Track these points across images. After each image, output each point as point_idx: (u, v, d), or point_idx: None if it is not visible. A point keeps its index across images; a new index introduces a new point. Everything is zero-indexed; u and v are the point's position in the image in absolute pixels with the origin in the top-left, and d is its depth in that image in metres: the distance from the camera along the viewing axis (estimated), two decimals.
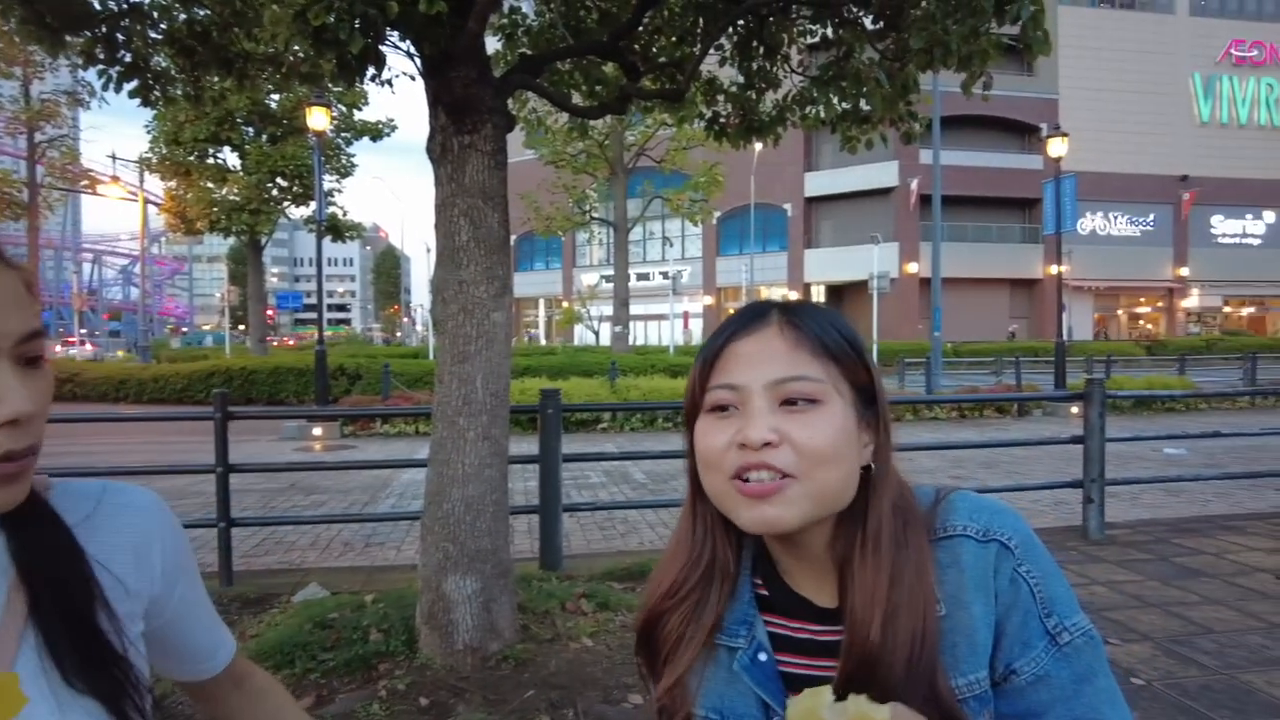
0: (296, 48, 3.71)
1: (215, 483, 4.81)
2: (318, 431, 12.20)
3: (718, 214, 38.44)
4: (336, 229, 22.68)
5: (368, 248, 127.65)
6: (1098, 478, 5.43)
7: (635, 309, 38.70)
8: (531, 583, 4.01)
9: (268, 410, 12.17)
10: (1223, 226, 41.79)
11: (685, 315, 41.95)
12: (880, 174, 37.44)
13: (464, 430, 3.23)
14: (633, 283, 39.25)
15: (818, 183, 39.29)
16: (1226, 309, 43.79)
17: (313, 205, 15.06)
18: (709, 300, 42.98)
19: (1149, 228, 40.63)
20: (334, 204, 22.94)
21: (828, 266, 39.46)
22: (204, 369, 18.77)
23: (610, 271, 20.72)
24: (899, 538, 0.76)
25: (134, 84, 4.35)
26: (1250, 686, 3.27)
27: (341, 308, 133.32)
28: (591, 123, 19.90)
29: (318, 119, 12.79)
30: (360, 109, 22.63)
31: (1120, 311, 43.60)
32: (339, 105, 21.74)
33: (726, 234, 42.12)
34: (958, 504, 0.80)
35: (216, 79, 4.63)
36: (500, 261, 3.31)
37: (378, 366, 16.74)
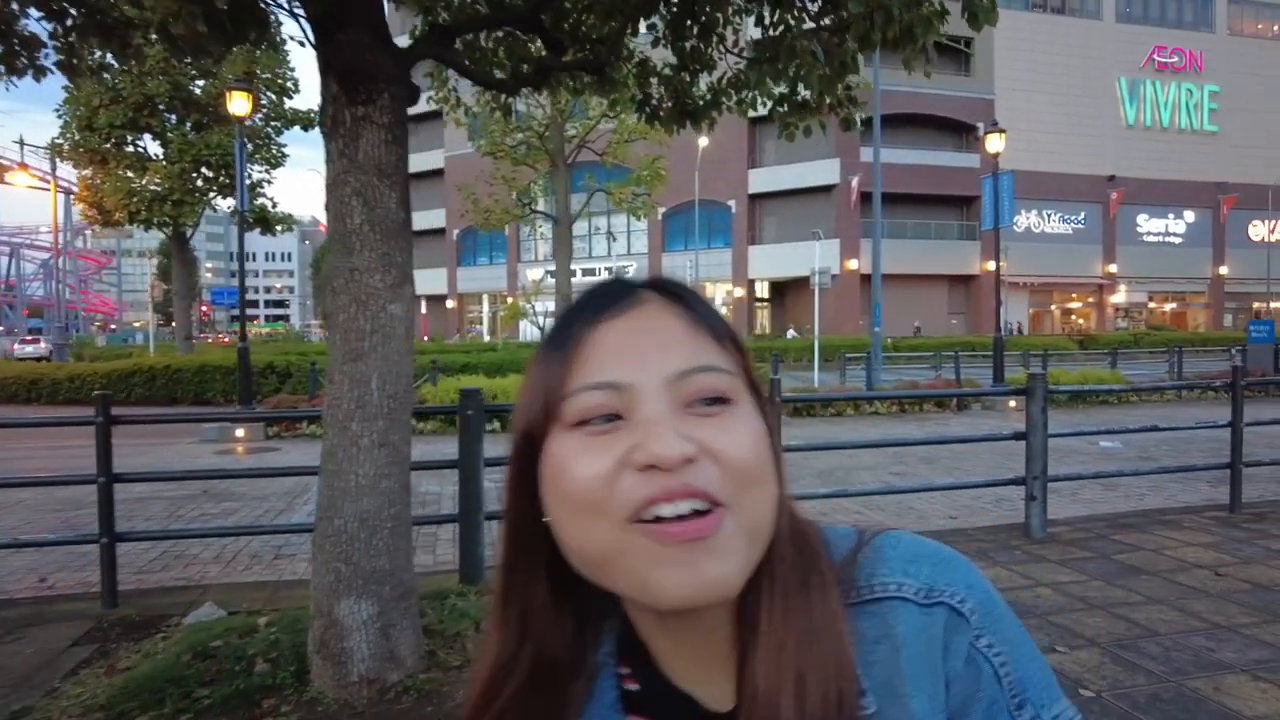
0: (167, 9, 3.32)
1: (97, 494, 4.35)
2: (240, 433, 11.59)
3: (662, 210, 38.31)
4: (266, 221, 21.82)
5: (306, 242, 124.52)
6: (1040, 474, 5.31)
7: None
8: (445, 601, 3.67)
9: (155, 413, 11.48)
10: (1147, 225, 43.26)
11: None
12: (822, 171, 37.74)
13: (357, 437, 2.89)
14: (578, 278, 38.93)
15: (761, 179, 39.45)
16: (1151, 304, 45.36)
17: None
18: None
19: (1080, 226, 41.82)
20: (263, 195, 22.07)
21: (771, 263, 39.64)
22: (125, 368, 17.81)
23: (556, 266, 20.32)
24: (803, 587, 0.55)
25: None
26: (1199, 694, 3.13)
27: (279, 303, 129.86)
28: (531, 114, 19.51)
29: (238, 104, 12.13)
30: (291, 97, 21.80)
31: (1054, 307, 44.78)
32: (267, 92, 20.90)
33: (672, 230, 42.04)
34: (887, 551, 0.59)
35: (95, 49, 4.18)
36: (399, 248, 2.97)
37: (308, 364, 16.09)
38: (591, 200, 21.52)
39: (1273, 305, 43.72)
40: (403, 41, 3.42)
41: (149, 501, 7.28)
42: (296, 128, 22.11)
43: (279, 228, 22.31)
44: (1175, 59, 43.10)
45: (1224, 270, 44.10)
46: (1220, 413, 6.57)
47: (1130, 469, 6.68)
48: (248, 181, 20.61)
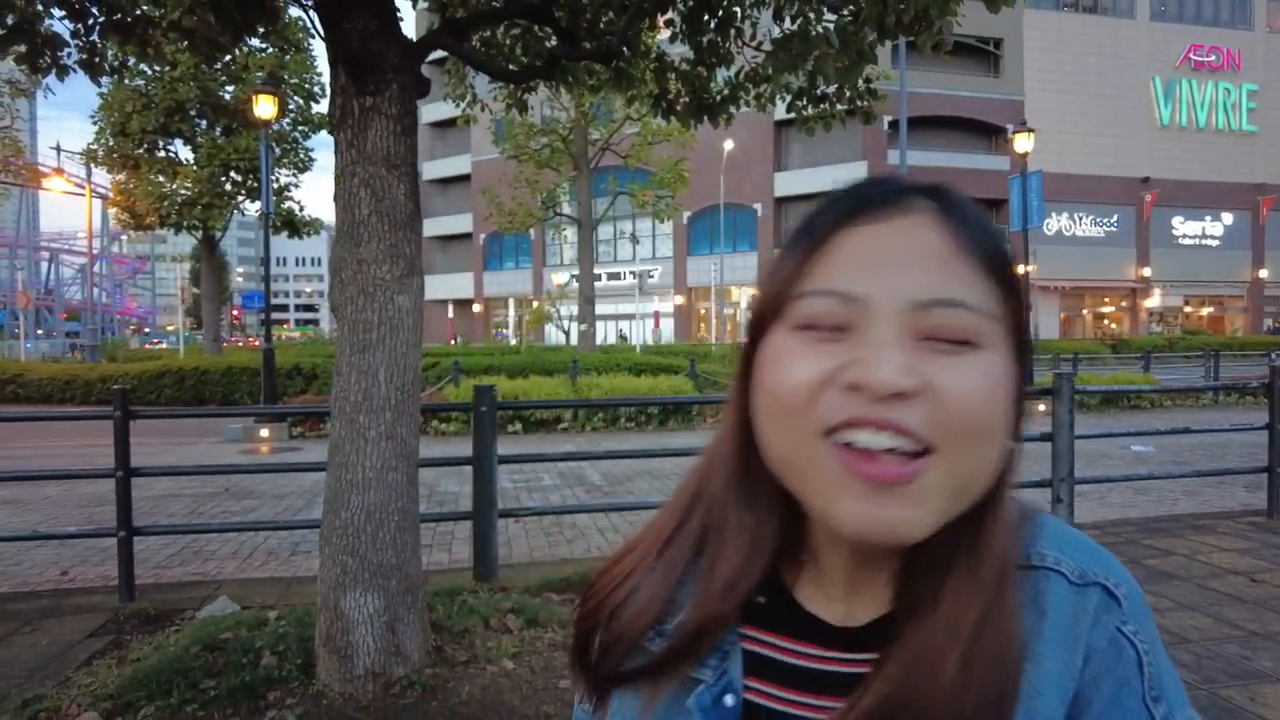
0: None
1: (115, 488, 4.37)
2: (264, 433, 11.70)
3: (688, 214, 38.26)
4: (293, 225, 22.06)
5: None
6: (1067, 476, 5.17)
7: (606, 308, 38.39)
8: (455, 597, 3.64)
9: (173, 410, 11.64)
10: (1183, 228, 42.38)
11: (656, 315, 41.67)
12: (849, 175, 37.34)
13: (364, 429, 2.87)
14: (604, 282, 39.00)
15: (787, 183, 39.21)
16: (1187, 308, 44.42)
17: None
18: (680, 300, 42.74)
19: (1113, 228, 41.08)
20: (291, 199, 22.33)
21: None
22: (154, 369, 18.11)
23: (579, 269, 20.35)
24: (992, 565, 0.52)
25: (21, 49, 3.95)
26: (1233, 704, 3.01)
27: (309, 308, 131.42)
28: (555, 117, 19.57)
29: (264, 108, 12.26)
30: (319, 101, 22.05)
31: (1085, 311, 44.03)
32: (295, 97, 21.16)
33: (697, 234, 41.94)
34: (1048, 530, 0.58)
35: (115, 47, 4.22)
36: (407, 239, 2.94)
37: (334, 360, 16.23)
38: (615, 203, 21.54)
39: None
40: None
41: (171, 499, 7.35)
42: (324, 132, 22.35)
43: (306, 231, 22.54)
44: (1213, 58, 42.23)
45: (1264, 273, 43.06)
46: (1257, 417, 6.37)
47: (1161, 472, 6.50)
48: (275, 185, 20.92)
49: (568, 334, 24.05)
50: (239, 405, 16.96)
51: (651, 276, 41.24)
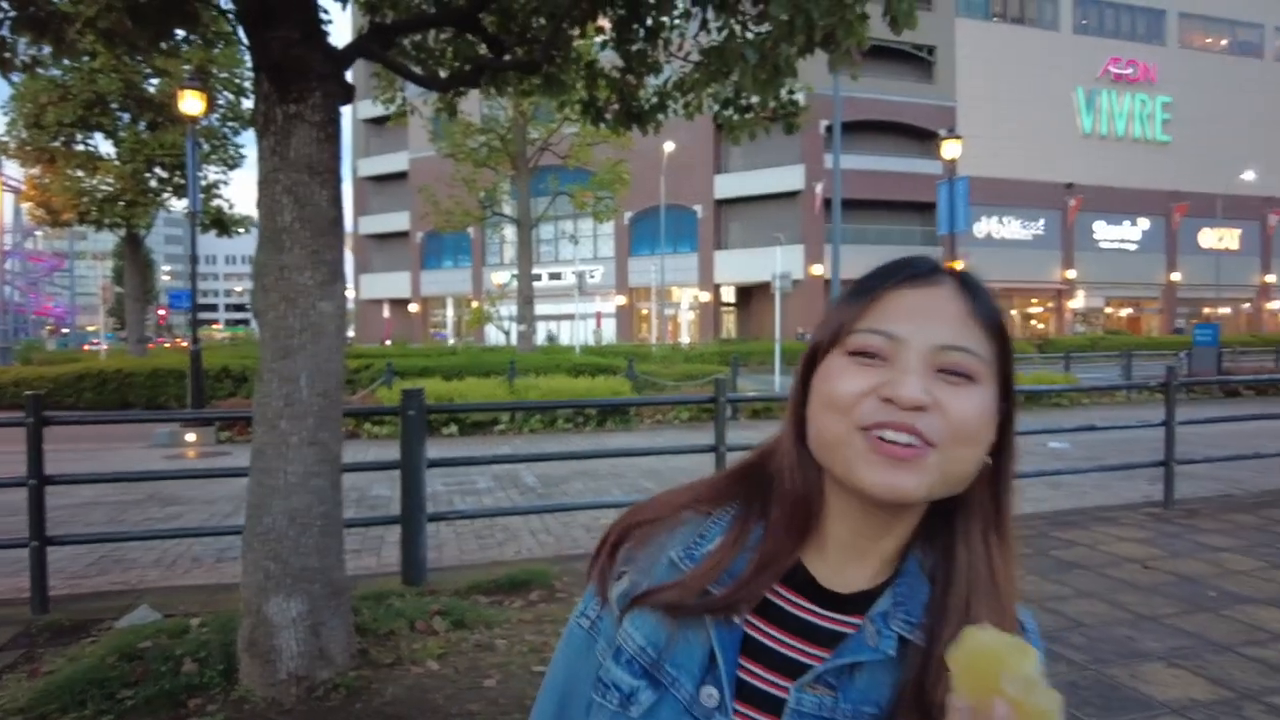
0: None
1: (27, 497, 4.26)
2: (191, 437, 11.40)
3: (629, 214, 38.38)
4: (222, 223, 21.46)
5: None
6: None
7: (548, 309, 38.24)
8: (381, 600, 3.66)
9: (92, 415, 11.27)
10: (1104, 232, 44.19)
11: (598, 315, 41.67)
12: (787, 177, 38.07)
13: (286, 435, 2.88)
14: (545, 282, 38.83)
15: (727, 185, 39.66)
16: (1108, 309, 46.35)
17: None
18: (621, 300, 42.84)
19: (1039, 232, 42.60)
20: (220, 197, 21.72)
21: (737, 268, 39.86)
22: (73, 372, 17.38)
23: (518, 269, 20.26)
24: (994, 541, 0.71)
25: None
26: (1115, 681, 3.23)
27: (239, 307, 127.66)
28: (493, 116, 19.45)
29: (191, 104, 11.93)
30: (249, 96, 21.47)
31: (1014, 311, 45.56)
32: (224, 92, 20.59)
33: (638, 234, 42.09)
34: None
35: (27, 42, 4.11)
36: (330, 245, 2.96)
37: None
38: (556, 203, 21.51)
39: (1221, 310, 44.94)
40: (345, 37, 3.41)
41: (93, 507, 7.13)
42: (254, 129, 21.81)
43: (237, 230, 21.95)
44: (1130, 70, 44.13)
45: (1176, 277, 45.19)
46: (1183, 413, 6.75)
47: (1070, 468, 6.84)
48: (203, 182, 20.33)
49: (508, 334, 23.94)
50: (165, 409, 16.43)
51: (593, 277, 41.24)
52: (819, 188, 36.38)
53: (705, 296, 40.98)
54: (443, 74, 4.49)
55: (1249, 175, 43.08)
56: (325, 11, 3.27)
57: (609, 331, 42.11)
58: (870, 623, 0.68)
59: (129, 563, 5.42)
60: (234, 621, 3.27)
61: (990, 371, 0.68)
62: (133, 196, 19.85)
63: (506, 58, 3.99)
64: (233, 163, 22.02)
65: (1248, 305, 48.00)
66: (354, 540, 5.39)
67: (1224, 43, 46.48)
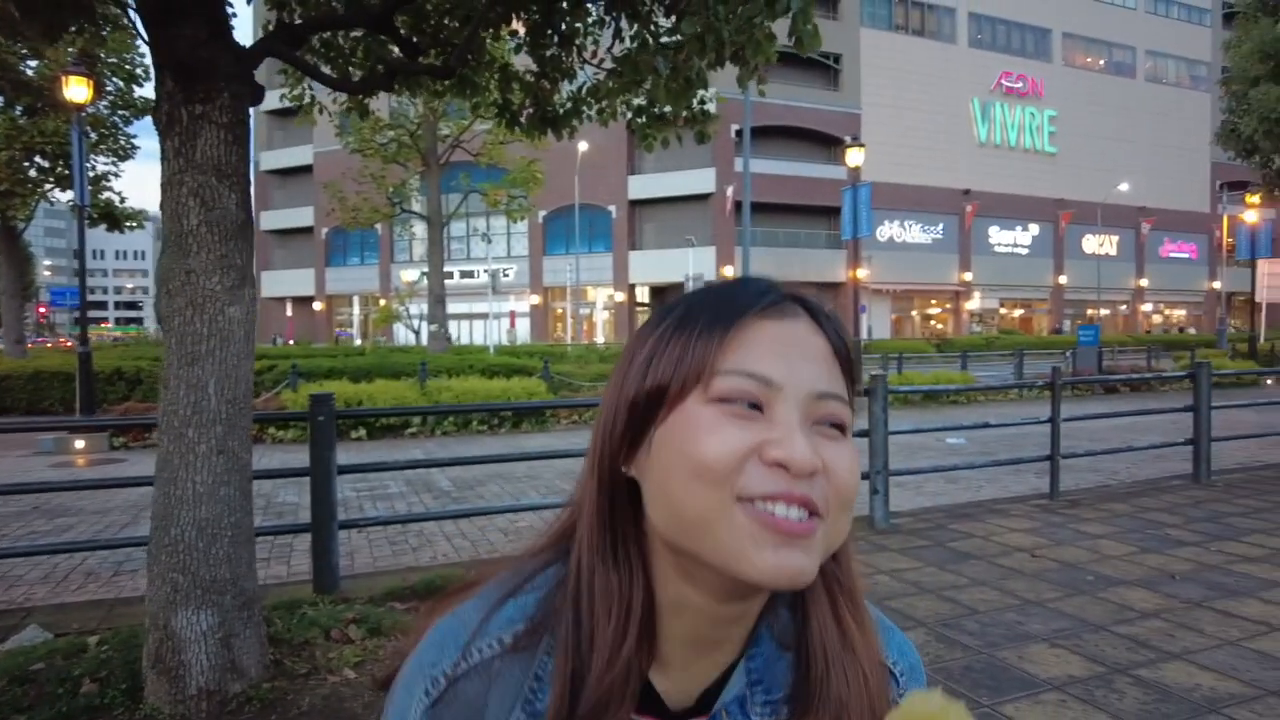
0: None
1: None
2: (80, 444, 10.78)
3: (543, 213, 38.15)
4: (113, 217, 20.34)
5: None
6: (882, 469, 5.68)
7: (459, 307, 37.65)
8: (294, 610, 3.59)
9: None
10: (998, 237, 46.54)
11: (512, 315, 41.31)
12: (699, 180, 38.62)
13: (194, 443, 2.81)
14: (457, 280, 38.21)
15: (641, 186, 39.97)
16: (1002, 310, 48.81)
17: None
18: (536, 300, 42.60)
19: (939, 236, 44.52)
20: (109, 189, 20.57)
21: (652, 268, 40.21)
22: None
23: (429, 268, 19.90)
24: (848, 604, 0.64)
25: None
26: (1005, 663, 3.46)
27: (132, 305, 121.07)
28: (403, 112, 19.07)
29: (76, 91, 11.28)
30: (141, 84, 20.43)
31: (914, 312, 47.46)
32: (113, 78, 19.51)
33: (553, 233, 41.96)
34: (882, 632, 0.68)
35: None
36: (238, 249, 2.90)
37: (161, 369, 15.11)
38: (468, 201, 21.24)
39: (1102, 312, 47.94)
40: (249, 34, 3.33)
41: None
42: (149, 118, 20.71)
43: (129, 224, 20.84)
44: (1020, 84, 46.60)
45: (1063, 279, 47.96)
46: (1067, 409, 7.21)
47: (966, 463, 7.22)
48: (91, 174, 19.20)
49: (417, 334, 23.47)
50: (50, 415, 15.45)
51: (506, 275, 40.86)
52: (730, 190, 37.05)
53: (620, 296, 41.17)
54: (354, 74, 4.43)
55: (1124, 187, 46.10)
56: (231, 6, 3.19)
57: (523, 331, 41.81)
58: (727, 717, 0.60)
59: (12, 580, 5.12)
60: (137, 637, 3.16)
61: (852, 417, 0.59)
62: (9, 186, 18.57)
63: (421, 60, 3.96)
64: (124, 154, 20.89)
65: (1125, 307, 51.41)
66: (262, 548, 5.24)
67: (1101, 62, 49.62)
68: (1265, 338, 25.74)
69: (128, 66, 19.88)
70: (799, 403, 0.55)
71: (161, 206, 2.90)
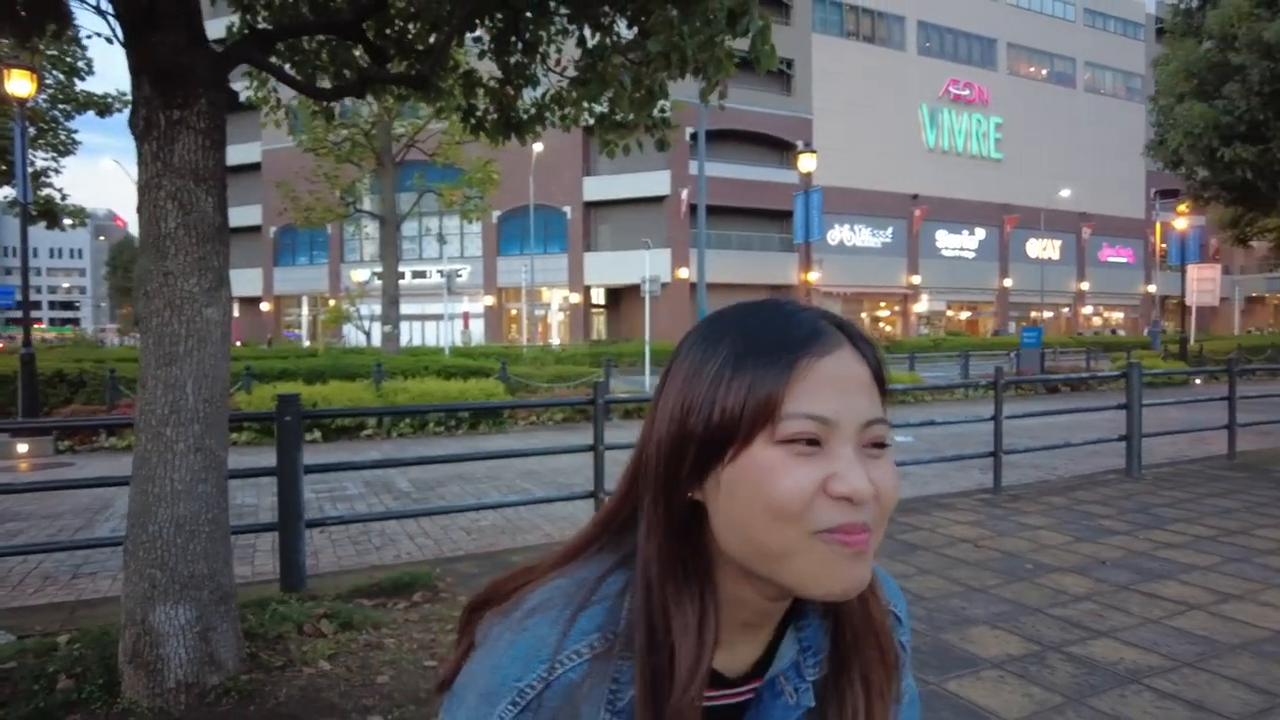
0: None
1: None
2: (23, 448, 10.53)
3: (497, 213, 37.99)
4: (53, 214, 19.78)
5: (102, 238, 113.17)
6: None
7: (412, 308, 37.29)
8: (265, 607, 3.66)
9: None
10: (945, 241, 47.70)
11: (465, 315, 41.06)
12: (654, 182, 38.84)
13: (172, 442, 2.87)
14: (409, 280, 37.83)
15: (596, 187, 40.04)
16: (949, 312, 50.03)
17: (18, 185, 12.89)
18: (490, 300, 42.38)
19: (887, 240, 45.47)
20: (49, 185, 20.00)
21: (607, 270, 40.30)
22: None
23: (382, 268, 19.72)
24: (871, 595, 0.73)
25: None
26: (949, 644, 3.69)
27: (67, 305, 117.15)
28: (356, 110, 18.88)
29: (18, 84, 11.01)
30: (83, 78, 19.88)
31: (864, 314, 48.37)
32: (54, 71, 18.97)
33: (507, 234, 41.79)
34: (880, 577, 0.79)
35: None
36: (216, 251, 2.97)
37: (106, 372, 14.78)
38: (422, 200, 21.11)
39: (1046, 314, 49.42)
40: (215, 32, 3.37)
41: None
42: (91, 113, 20.16)
43: (69, 222, 20.29)
44: (967, 92, 47.82)
45: (1008, 283, 49.34)
46: (1009, 408, 7.54)
47: (912, 459, 7.51)
48: (30, 169, 18.63)
49: (368, 335, 23.23)
50: None
51: (460, 276, 40.59)
52: (685, 193, 37.36)
53: (575, 298, 41.19)
54: (320, 78, 4.49)
55: (1065, 193, 47.64)
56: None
57: (477, 332, 41.58)
58: (785, 681, 0.69)
59: None
60: (110, 635, 3.20)
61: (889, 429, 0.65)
62: None
63: (388, 66, 4.05)
64: (64, 149, 20.31)
65: (1067, 309, 53.10)
66: None
67: (1044, 72, 51.21)
68: (1195, 339, 26.91)
69: (69, 60, 19.35)
70: (852, 434, 0.61)
71: (139, 209, 2.96)
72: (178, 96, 2.89)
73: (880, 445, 0.63)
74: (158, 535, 2.86)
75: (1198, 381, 18.99)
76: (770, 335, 0.63)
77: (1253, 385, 17.49)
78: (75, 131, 20.86)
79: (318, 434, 11.51)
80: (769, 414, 0.60)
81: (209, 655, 2.93)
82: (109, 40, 3.22)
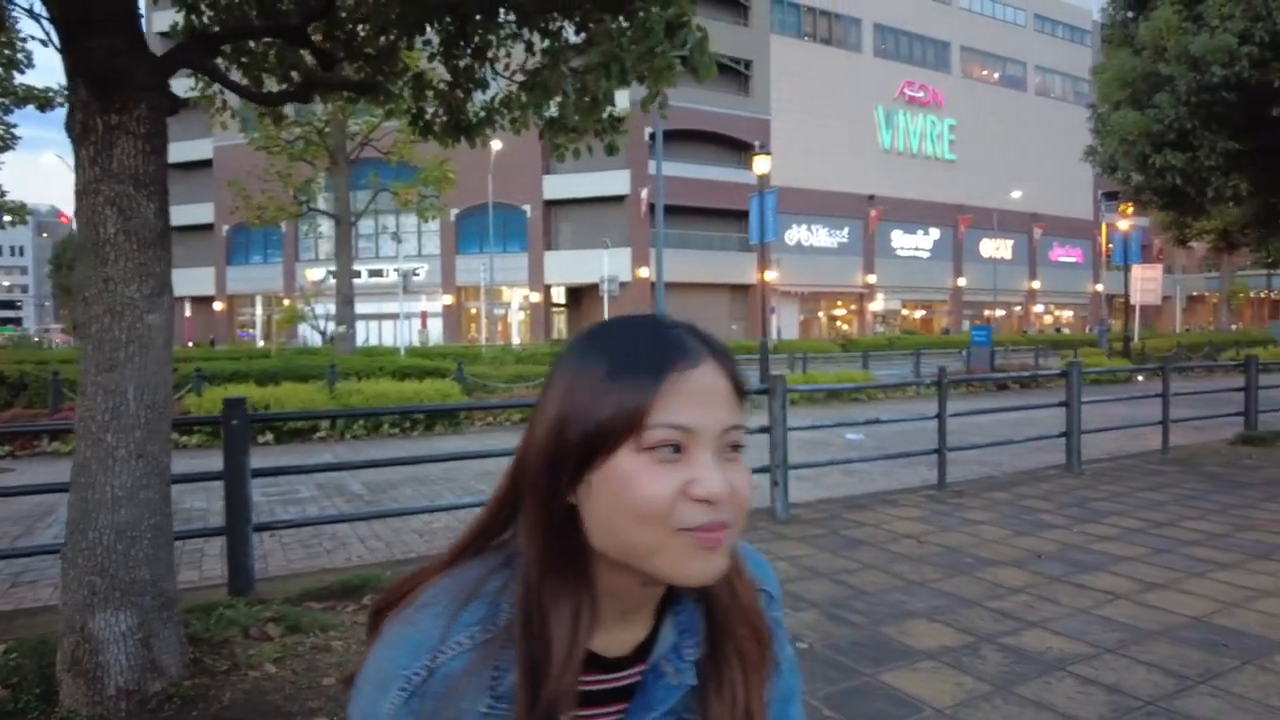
0: None
1: None
2: None
3: (455, 211, 37.72)
4: None
5: (45, 235, 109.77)
6: (781, 463, 6.03)
7: (368, 307, 36.83)
8: (210, 611, 3.64)
9: None
10: (900, 241, 48.50)
11: (423, 315, 40.67)
12: (614, 181, 38.86)
13: (113, 448, 2.86)
14: (366, 279, 37.40)
15: (556, 186, 39.94)
16: (904, 311, 50.88)
17: None
18: (449, 300, 42.04)
19: (844, 240, 46.10)
20: None
21: (568, 269, 40.25)
22: None
23: (337, 267, 19.48)
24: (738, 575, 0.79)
25: None
26: (888, 637, 3.81)
27: (8, 304, 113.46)
28: (310, 109, 18.64)
29: None
30: (23, 71, 19.27)
31: (821, 313, 49.00)
32: None
33: (466, 232, 41.49)
34: (749, 558, 0.84)
35: None
36: (157, 258, 2.97)
37: (49, 375, 14.40)
38: (378, 199, 20.91)
39: (998, 313, 50.51)
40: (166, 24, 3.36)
41: None
42: (31, 107, 19.55)
43: (9, 219, 19.70)
44: (922, 94, 48.67)
45: (962, 282, 50.34)
46: (957, 405, 7.75)
47: (860, 456, 7.68)
48: None
49: (324, 335, 22.94)
50: None
51: (417, 275, 40.23)
52: (645, 193, 37.44)
53: (536, 297, 41.05)
54: (268, 81, 4.46)
55: (1017, 194, 48.73)
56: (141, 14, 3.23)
57: (435, 332, 41.22)
58: (667, 663, 0.74)
59: None
60: (48, 643, 3.17)
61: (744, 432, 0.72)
62: None
63: (336, 70, 4.05)
64: (3, 144, 19.70)
65: (1019, 308, 54.33)
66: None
67: (996, 75, 52.34)
68: (1139, 337, 27.75)
69: (7, 53, 18.76)
70: (712, 440, 0.67)
71: (76, 214, 2.94)
72: (115, 101, 2.88)
73: (736, 448, 0.69)
74: (98, 542, 2.85)
75: (1140, 379, 19.60)
76: (642, 351, 0.68)
77: (1192, 381, 18.10)
78: (15, 126, 20.24)
79: (270, 437, 11.37)
80: (637, 424, 0.65)
81: (151, 661, 2.92)
82: (44, 44, 3.19)
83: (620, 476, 0.66)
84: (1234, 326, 49.84)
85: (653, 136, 19.44)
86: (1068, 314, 57.96)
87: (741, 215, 41.45)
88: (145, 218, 2.93)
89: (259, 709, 2.92)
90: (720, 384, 0.69)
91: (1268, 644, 3.65)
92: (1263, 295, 55.82)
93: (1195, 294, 60.27)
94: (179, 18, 4.22)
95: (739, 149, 41.45)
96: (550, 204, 40.58)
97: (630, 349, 0.69)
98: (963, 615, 4.10)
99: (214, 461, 4.43)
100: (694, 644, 0.75)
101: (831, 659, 3.54)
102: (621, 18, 3.33)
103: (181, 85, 5.34)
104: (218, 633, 3.37)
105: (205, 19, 4.14)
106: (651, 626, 0.75)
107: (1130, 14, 10.13)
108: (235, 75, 4.41)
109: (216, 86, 5.16)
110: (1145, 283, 24.75)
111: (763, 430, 6.15)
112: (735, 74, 41.15)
